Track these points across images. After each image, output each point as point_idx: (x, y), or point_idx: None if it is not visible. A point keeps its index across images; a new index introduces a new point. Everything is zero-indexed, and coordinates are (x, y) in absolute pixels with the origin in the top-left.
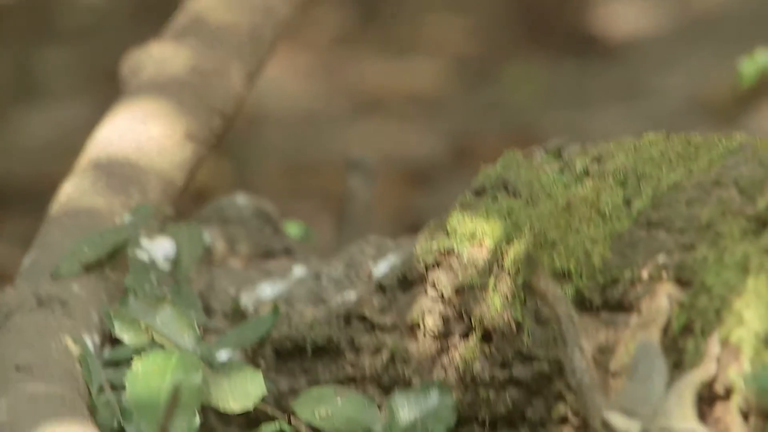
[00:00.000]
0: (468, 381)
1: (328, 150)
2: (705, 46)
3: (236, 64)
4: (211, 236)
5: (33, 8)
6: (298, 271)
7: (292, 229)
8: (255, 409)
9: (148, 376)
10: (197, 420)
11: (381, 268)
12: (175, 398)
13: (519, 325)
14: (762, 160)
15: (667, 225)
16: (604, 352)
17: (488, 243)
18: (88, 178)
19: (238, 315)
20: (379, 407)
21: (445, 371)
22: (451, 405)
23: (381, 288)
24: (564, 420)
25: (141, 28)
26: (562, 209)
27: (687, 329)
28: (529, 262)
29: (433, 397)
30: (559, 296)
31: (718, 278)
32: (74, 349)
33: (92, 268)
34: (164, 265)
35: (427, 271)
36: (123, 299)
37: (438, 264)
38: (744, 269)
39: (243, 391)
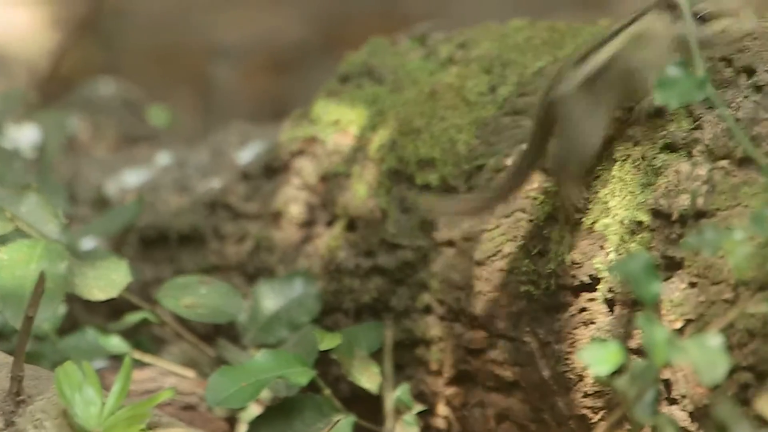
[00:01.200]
0: (332, 270)
1: (197, 35)
2: None
3: None
4: (77, 123)
5: None
6: (163, 158)
7: (158, 114)
8: (120, 298)
9: (13, 265)
10: (62, 309)
11: (245, 155)
12: (40, 287)
13: (384, 213)
14: None
15: (532, 112)
16: (470, 241)
17: (353, 130)
18: None
19: (102, 203)
20: (244, 296)
21: (310, 260)
22: (315, 294)
23: (245, 176)
24: (428, 309)
25: None
26: (427, 96)
27: (552, 217)
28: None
29: (298, 286)
30: None
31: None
32: None
33: None
34: (29, 153)
35: (291, 158)
36: None
37: (302, 152)
38: (609, 157)
39: (108, 280)
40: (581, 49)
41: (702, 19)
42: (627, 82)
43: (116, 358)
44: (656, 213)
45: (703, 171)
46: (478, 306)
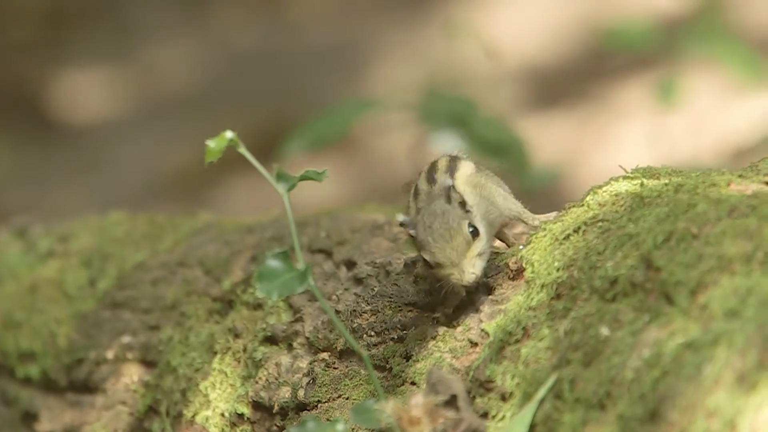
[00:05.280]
0: None
1: None
2: (162, 126)
3: None
4: None
5: None
6: None
7: None
8: None
9: None
10: None
11: None
12: None
13: None
14: (227, 240)
15: (132, 305)
16: None
17: None
18: None
19: None
20: None
21: None
22: None
23: None
24: None
25: None
26: (27, 290)
27: (152, 410)
28: None
29: None
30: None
31: (184, 358)
32: None
33: None
34: None
35: None
36: None
37: None
38: (210, 349)
39: None
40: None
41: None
42: None
43: None
44: (257, 405)
45: (303, 363)
46: None
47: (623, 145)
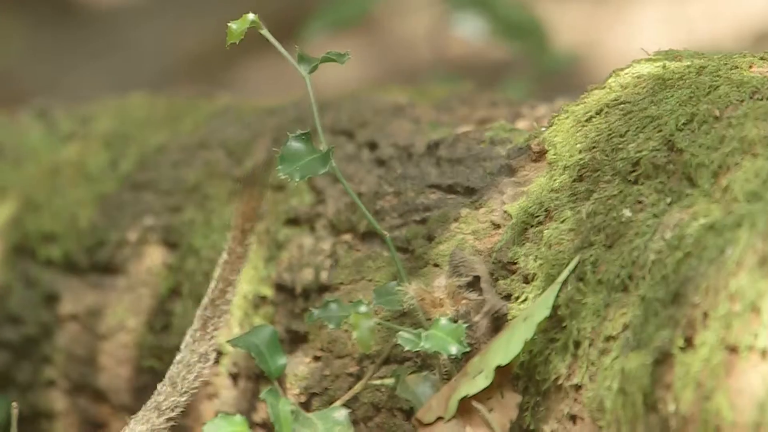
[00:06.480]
0: None
1: None
2: (181, 8)
3: None
4: None
5: None
6: None
7: None
8: None
9: None
10: None
11: None
12: None
13: (9, 288)
14: (247, 122)
15: (154, 187)
16: (93, 315)
17: None
18: None
19: None
20: None
21: None
22: None
23: None
24: (51, 383)
25: None
26: (48, 172)
27: (175, 292)
28: None
29: None
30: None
31: (207, 240)
32: None
33: None
34: None
35: None
36: None
37: None
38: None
39: None
40: None
41: None
42: None
43: None
44: (280, 287)
45: (326, 245)
46: (102, 380)
47: (640, 28)
